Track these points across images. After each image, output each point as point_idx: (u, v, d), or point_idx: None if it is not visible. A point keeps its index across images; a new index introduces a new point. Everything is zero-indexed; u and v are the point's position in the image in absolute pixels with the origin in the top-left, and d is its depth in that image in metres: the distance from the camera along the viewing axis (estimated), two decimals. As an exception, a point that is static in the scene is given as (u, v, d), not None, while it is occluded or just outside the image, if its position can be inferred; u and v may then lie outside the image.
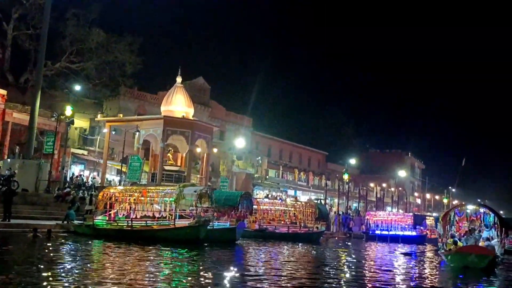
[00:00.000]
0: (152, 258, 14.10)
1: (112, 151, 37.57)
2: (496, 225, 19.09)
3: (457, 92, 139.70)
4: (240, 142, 42.66)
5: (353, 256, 20.64)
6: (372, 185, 57.34)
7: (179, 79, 31.40)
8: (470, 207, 19.89)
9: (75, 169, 35.97)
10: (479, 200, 78.09)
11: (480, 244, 18.10)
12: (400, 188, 63.38)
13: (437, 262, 20.51)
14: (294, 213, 27.70)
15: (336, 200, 49.60)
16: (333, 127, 70.32)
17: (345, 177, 46.53)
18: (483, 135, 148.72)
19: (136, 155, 29.07)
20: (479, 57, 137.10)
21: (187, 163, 29.85)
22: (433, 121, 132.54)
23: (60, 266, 11.48)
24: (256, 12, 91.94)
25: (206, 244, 18.54)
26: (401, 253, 22.95)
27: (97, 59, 39.61)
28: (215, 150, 39.32)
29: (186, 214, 19.87)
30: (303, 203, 28.80)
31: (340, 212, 43.89)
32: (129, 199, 19.48)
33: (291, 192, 51.82)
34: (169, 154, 30.42)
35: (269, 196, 41.05)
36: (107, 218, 20.02)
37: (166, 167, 29.62)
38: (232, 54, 73.67)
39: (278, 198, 33.17)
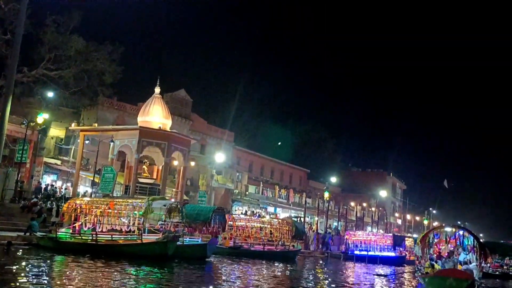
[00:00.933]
0: (107, 276, 13.19)
1: (87, 162, 36.50)
2: (475, 249, 18.73)
3: (441, 113, 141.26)
4: (219, 157, 41.90)
5: (326, 276, 19.94)
6: (352, 204, 56.83)
7: (157, 90, 30.68)
8: (448, 229, 19.40)
9: (48, 179, 34.76)
10: (459, 223, 78.24)
11: (458, 267, 17.80)
12: (381, 208, 62.99)
13: (414, 285, 19.94)
14: (271, 231, 26.89)
15: (316, 218, 48.95)
16: (314, 144, 69.93)
17: (326, 195, 45.96)
18: (465, 157, 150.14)
19: (109, 166, 28.12)
20: (462, 76, 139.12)
21: (163, 176, 28.90)
22: (416, 142, 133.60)
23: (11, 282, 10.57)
24: (238, 26, 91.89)
25: (175, 261, 17.69)
26: (377, 275, 22.33)
27: (76, 67, 38.64)
28: (192, 163, 38.51)
29: (156, 229, 19.00)
30: (279, 220, 28.04)
31: (320, 231, 43.19)
32: (95, 211, 18.53)
33: (271, 209, 51.04)
34: (144, 167, 29.53)
35: (248, 212, 40.19)
36: (71, 231, 19.01)
37: (141, 180, 28.70)
38: (215, 68, 73.18)
39: (255, 214, 32.35)
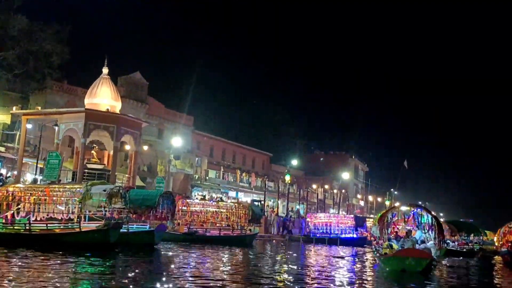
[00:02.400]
0: (38, 269, 11.88)
1: (34, 148, 34.48)
2: (433, 227, 18.41)
3: (400, 94, 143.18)
4: (177, 141, 40.47)
5: (280, 260, 19.13)
6: (314, 186, 56.50)
7: (105, 70, 28.95)
8: (404, 208, 18.91)
9: (-10, 167, 32.62)
10: (420, 202, 79.42)
11: (416, 246, 17.46)
12: (343, 190, 63.00)
13: (371, 265, 19.42)
14: (227, 215, 25.92)
15: (278, 201, 48.33)
16: (276, 128, 69.36)
17: (287, 178, 45.32)
18: (425, 138, 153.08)
19: (54, 151, 26.36)
20: (422, 54, 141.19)
21: (113, 161, 27.38)
22: (377, 123, 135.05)
23: None
24: (195, 5, 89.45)
25: (118, 250, 16.46)
26: (335, 256, 21.73)
27: (20, 48, 36.33)
28: (145, 147, 37.02)
29: (100, 216, 17.67)
30: (235, 204, 27.07)
31: (282, 214, 42.58)
32: (30, 198, 17.01)
33: (232, 193, 50.06)
34: (93, 152, 27.95)
35: (207, 197, 39.11)
36: (3, 221, 17.44)
37: (89, 165, 27.09)
38: (172, 50, 71.05)
39: (212, 199, 31.30)
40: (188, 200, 26.19)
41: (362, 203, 73.04)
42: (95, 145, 28.31)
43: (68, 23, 39.35)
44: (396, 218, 20.14)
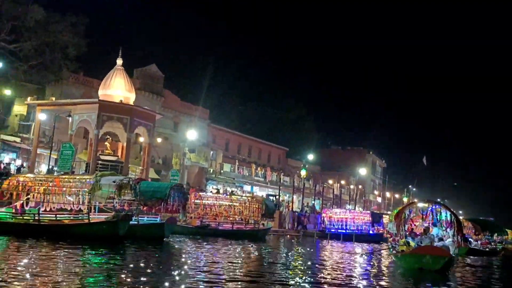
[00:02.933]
0: (44, 260, 11.63)
1: (49, 139, 34.54)
2: (452, 224, 17.79)
3: (421, 90, 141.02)
4: (192, 134, 40.14)
5: (291, 254, 18.68)
6: (331, 182, 55.79)
7: (119, 61, 28.73)
8: (421, 204, 18.28)
9: (6, 158, 32.76)
10: (438, 200, 77.92)
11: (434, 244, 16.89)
12: (360, 186, 62.15)
13: (387, 263, 18.84)
14: (240, 209, 25.53)
15: (294, 196, 47.82)
16: (293, 122, 68.53)
17: (303, 173, 44.71)
18: (445, 135, 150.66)
19: (68, 142, 26.29)
20: (446, 49, 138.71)
21: (126, 153, 27.19)
22: (396, 118, 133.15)
23: None
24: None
25: (127, 242, 16.19)
26: (348, 252, 21.21)
27: (36, 39, 36.43)
28: (159, 140, 36.81)
29: (110, 208, 17.43)
30: (249, 198, 26.65)
31: (297, 209, 42.10)
32: (39, 188, 16.83)
33: (247, 187, 49.71)
34: (106, 143, 27.79)
35: (221, 191, 38.82)
36: (13, 211, 17.30)
37: (103, 157, 26.95)
38: (189, 42, 70.43)
39: (225, 192, 30.97)
40: (201, 193, 25.85)
41: (379, 199, 72.06)
42: (108, 137, 28.16)
43: (85, 15, 39.42)
44: (414, 214, 19.58)
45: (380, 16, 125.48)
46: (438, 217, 17.92)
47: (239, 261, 14.78)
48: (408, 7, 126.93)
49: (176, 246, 17.73)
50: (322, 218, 36.18)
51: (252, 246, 20.70)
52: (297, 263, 15.89)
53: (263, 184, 51.62)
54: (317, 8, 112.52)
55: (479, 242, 30.27)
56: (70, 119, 26.99)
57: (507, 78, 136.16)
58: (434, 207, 18.46)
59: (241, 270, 12.52)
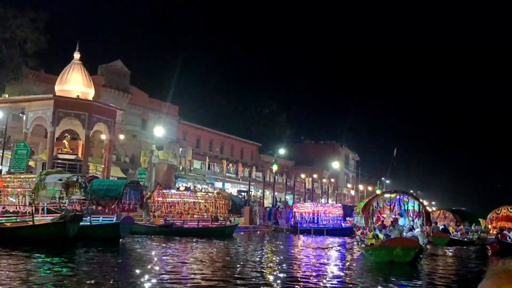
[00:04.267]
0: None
1: (8, 140, 32.95)
2: (420, 214, 17.38)
3: (390, 83, 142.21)
4: (159, 131, 38.99)
5: (257, 251, 17.90)
6: (303, 176, 55.28)
7: (76, 55, 27.50)
8: (387, 195, 17.72)
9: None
10: (411, 191, 78.38)
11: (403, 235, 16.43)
12: (332, 180, 61.85)
13: (355, 257, 18.27)
14: (205, 206, 24.61)
15: (267, 192, 47.10)
16: (266, 118, 67.80)
17: (274, 167, 44.08)
18: (417, 127, 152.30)
19: (22, 141, 24.94)
20: (408, 44, 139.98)
21: (85, 151, 25.97)
22: (368, 112, 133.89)
23: None
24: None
25: (78, 245, 15.13)
26: (316, 248, 20.57)
27: (-9, 35, 34.81)
28: (122, 137, 35.53)
29: (60, 208, 16.30)
30: (215, 194, 25.75)
31: (269, 205, 41.39)
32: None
33: (218, 184, 48.73)
34: (65, 141, 26.54)
35: (191, 188, 37.82)
36: (-47, 215, 16.06)
37: (60, 156, 25.68)
38: (156, 38, 68.81)
39: (189, 189, 29.97)
40: (164, 191, 24.82)
41: (353, 192, 72.02)
42: (67, 135, 26.91)
43: (45, 10, 37.92)
44: (381, 205, 19.04)
45: (349, 8, 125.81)
46: (404, 207, 17.42)
47: (196, 261, 13.92)
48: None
49: (132, 247, 16.74)
50: (294, 213, 35.59)
51: (217, 243, 19.87)
52: (260, 260, 15.09)
53: (235, 181, 50.74)
54: (289, 2, 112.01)
55: (458, 232, 30.17)
56: (24, 116, 25.57)
57: (480, 65, 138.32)
58: (400, 197, 17.95)
59: (199, 271, 11.66)
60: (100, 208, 17.21)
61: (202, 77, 59.22)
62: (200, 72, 58.75)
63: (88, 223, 16.34)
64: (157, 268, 11.95)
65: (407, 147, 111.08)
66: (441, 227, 30.45)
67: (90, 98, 26.75)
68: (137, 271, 11.23)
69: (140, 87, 46.94)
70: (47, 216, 15.94)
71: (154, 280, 9.70)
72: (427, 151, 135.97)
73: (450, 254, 21.88)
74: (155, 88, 51.04)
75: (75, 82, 26.22)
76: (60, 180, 14.90)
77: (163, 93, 49.81)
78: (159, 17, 76.86)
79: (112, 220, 17.50)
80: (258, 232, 31.68)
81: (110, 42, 52.74)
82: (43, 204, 15.59)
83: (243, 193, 44.27)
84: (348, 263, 16.75)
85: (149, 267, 12.19)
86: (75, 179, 15.30)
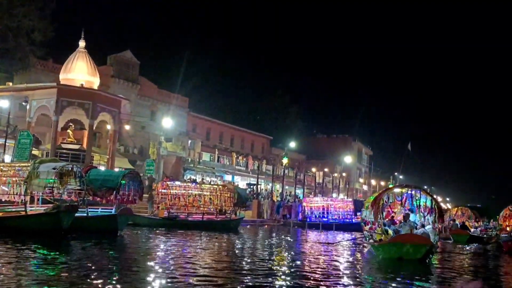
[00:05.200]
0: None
1: (14, 129, 32.67)
2: (432, 210, 16.52)
3: (406, 77, 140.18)
4: (167, 122, 38.49)
5: (262, 245, 17.21)
6: (314, 170, 54.39)
7: (81, 43, 26.98)
8: (397, 190, 16.89)
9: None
10: (425, 187, 77.01)
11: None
12: (344, 174, 60.86)
13: (361, 253, 17.51)
14: (210, 198, 23.97)
15: (278, 185, 46.38)
16: (277, 111, 66.91)
17: (284, 161, 43.30)
18: (432, 123, 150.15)
19: (26, 130, 24.51)
20: (426, 39, 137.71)
21: (89, 141, 25.47)
22: (382, 105, 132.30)
23: None
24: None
25: (73, 236, 14.58)
26: (322, 243, 19.84)
27: (-1, 23, 34.50)
28: (127, 127, 35.05)
29: (56, 198, 15.76)
30: (220, 186, 25.07)
31: (277, 198, 40.65)
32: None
33: (228, 177, 48.16)
34: (69, 131, 26.04)
35: (198, 180, 37.25)
36: None
37: (64, 146, 25.21)
38: (165, 28, 68.07)
39: (195, 182, 29.38)
40: (168, 183, 24.21)
41: (365, 187, 70.94)
42: (71, 124, 26.41)
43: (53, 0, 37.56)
44: (391, 200, 18.21)
45: (363, 7, 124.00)
46: (415, 203, 16.58)
47: (197, 255, 13.26)
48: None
49: (129, 240, 16.15)
50: (303, 207, 34.86)
51: (221, 237, 19.25)
52: (262, 254, 14.38)
53: (244, 173, 50.12)
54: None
55: (478, 229, 29.38)
56: (27, 105, 25.15)
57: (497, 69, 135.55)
58: (412, 192, 17.09)
59: (195, 266, 10.99)
60: (99, 199, 16.64)
61: (213, 69, 58.57)
62: (210, 64, 58.07)
63: (85, 215, 15.77)
64: (151, 262, 11.33)
65: (422, 142, 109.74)
66: (459, 224, 29.71)
67: (95, 87, 26.22)
68: (130, 265, 10.62)
69: (150, 78, 46.50)
70: (42, 207, 15.39)
71: (146, 275, 9.08)
72: (442, 146, 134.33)
73: (465, 251, 21.02)
74: (165, 79, 50.53)
75: (79, 71, 25.69)
76: (54, 168, 14.32)
77: (173, 85, 49.31)
78: (169, 9, 76.21)
79: (111, 212, 16.92)
80: (266, 226, 31.01)
81: (120, 32, 52.17)
82: (38, 193, 15.03)
83: (252, 186, 43.58)
84: (355, 259, 15.97)
85: (143, 261, 11.60)
86: (69, 168, 14.74)
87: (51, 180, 14.34)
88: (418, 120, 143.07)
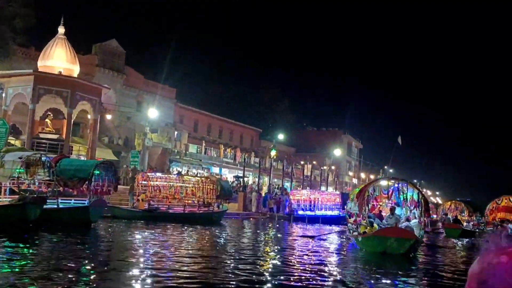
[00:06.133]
0: None
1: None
2: (419, 204, 16.09)
3: (395, 70, 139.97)
4: (153, 113, 37.70)
5: (241, 238, 16.59)
6: (302, 162, 53.82)
7: (61, 29, 26.09)
8: (384, 183, 16.38)
9: None
10: (415, 181, 76.91)
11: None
12: (333, 167, 60.38)
13: (344, 246, 17.00)
14: (192, 190, 23.26)
15: (266, 178, 45.74)
16: (267, 103, 66.13)
17: (272, 153, 42.70)
18: (422, 118, 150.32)
19: (1, 118, 23.62)
20: (415, 33, 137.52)
21: (67, 130, 24.65)
22: (372, 98, 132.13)
23: None
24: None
25: (41, 228, 13.86)
26: (302, 236, 19.31)
27: (-23, 10, 33.34)
28: (108, 116, 34.21)
29: (26, 189, 15.00)
30: (202, 178, 24.37)
31: (264, 191, 40.03)
32: None
33: (215, 169, 47.42)
34: (47, 120, 25.19)
35: (183, 173, 36.51)
36: None
37: (42, 135, 24.36)
38: (153, 17, 66.98)
39: (177, 173, 28.65)
40: (149, 174, 23.47)
41: (355, 180, 70.55)
42: (49, 113, 25.53)
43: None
44: (377, 193, 17.71)
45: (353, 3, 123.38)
46: (402, 196, 16.08)
47: (171, 248, 12.61)
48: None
49: (102, 233, 15.44)
50: (290, 200, 34.30)
51: (201, 230, 18.60)
52: (239, 247, 13.76)
53: (232, 166, 49.40)
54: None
55: (471, 223, 29.00)
56: (3, 93, 24.25)
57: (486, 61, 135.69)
58: (398, 185, 16.61)
59: (164, 260, 10.35)
60: (71, 190, 15.89)
61: (201, 60, 57.69)
62: (199, 55, 57.22)
63: (55, 206, 15.03)
64: (120, 257, 10.68)
65: (412, 136, 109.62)
66: (451, 218, 29.37)
67: (75, 75, 25.34)
68: (100, 259, 9.96)
69: (136, 68, 45.53)
70: (9, 198, 14.65)
71: (114, 272, 8.43)
72: (433, 140, 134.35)
73: (450, 245, 20.59)
74: (152, 69, 49.53)
75: (58, 58, 24.81)
76: (20, 158, 13.56)
77: (160, 75, 48.36)
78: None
79: (84, 203, 16.19)
80: (251, 219, 30.40)
81: (106, 21, 50.99)
82: (4, 184, 14.25)
83: (240, 179, 42.94)
84: (336, 252, 15.42)
85: (112, 256, 10.94)
86: (37, 157, 13.98)
87: (17, 170, 13.57)
88: (408, 114, 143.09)
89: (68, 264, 8.94)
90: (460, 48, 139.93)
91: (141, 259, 10.35)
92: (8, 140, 26.74)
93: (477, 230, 28.06)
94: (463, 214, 30.73)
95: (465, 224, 28.29)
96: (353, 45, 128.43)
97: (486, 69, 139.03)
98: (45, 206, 14.22)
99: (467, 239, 23.84)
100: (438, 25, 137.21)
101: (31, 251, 11.01)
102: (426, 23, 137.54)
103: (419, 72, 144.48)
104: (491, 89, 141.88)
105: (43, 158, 14.18)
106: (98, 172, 15.88)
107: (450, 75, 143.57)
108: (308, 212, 32.25)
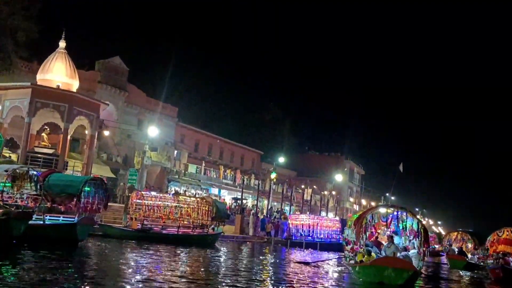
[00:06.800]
0: None
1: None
2: (418, 234, 15.47)
3: (400, 99, 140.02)
4: (153, 131, 37.28)
5: (232, 262, 15.94)
6: (303, 186, 53.18)
7: (62, 43, 25.89)
8: (383, 210, 15.82)
9: None
10: (417, 209, 76.01)
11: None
12: (334, 193, 59.65)
13: (340, 274, 16.34)
14: (187, 211, 22.67)
15: (265, 201, 45.11)
16: (269, 125, 65.85)
17: (273, 176, 42.16)
18: (426, 146, 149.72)
19: (-4, 131, 23.27)
20: (422, 58, 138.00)
21: (63, 145, 24.24)
22: (375, 126, 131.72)
23: None
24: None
25: (25, 245, 13.29)
26: (297, 262, 18.65)
27: (-21, 23, 33.40)
28: (106, 133, 33.83)
29: (11, 204, 14.48)
30: (198, 199, 23.81)
31: (262, 215, 39.36)
32: None
33: (214, 190, 46.82)
34: (43, 134, 24.80)
35: (180, 192, 35.97)
36: None
37: (37, 149, 23.95)
38: (157, 37, 66.94)
39: (171, 193, 28.10)
40: (143, 193, 22.96)
41: (356, 206, 69.71)
42: (46, 128, 25.17)
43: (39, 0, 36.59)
44: (376, 221, 17.11)
45: (357, 22, 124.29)
46: (401, 225, 15.50)
47: (159, 273, 12.00)
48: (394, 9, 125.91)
49: (89, 252, 14.84)
50: (288, 225, 33.63)
51: (195, 252, 17.96)
52: (231, 273, 13.14)
53: (232, 188, 48.79)
54: (291, 7, 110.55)
55: (476, 256, 28.10)
56: (0, 105, 23.96)
57: (493, 90, 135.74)
58: (398, 213, 16.01)
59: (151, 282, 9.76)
60: (59, 206, 15.38)
61: (204, 80, 57.41)
62: (202, 76, 57.00)
63: (41, 222, 14.51)
64: (103, 279, 10.10)
65: (414, 164, 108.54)
66: (456, 249, 28.55)
67: (74, 89, 25.04)
68: (77, 282, 9.39)
69: (138, 85, 45.37)
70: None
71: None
72: (435, 170, 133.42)
73: (454, 278, 19.81)
74: (154, 88, 49.32)
75: (57, 72, 24.55)
76: (6, 171, 13.11)
77: (162, 94, 48.15)
78: (161, 17, 74.85)
79: (73, 221, 15.64)
80: (248, 242, 29.70)
81: (109, 38, 50.86)
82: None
83: (238, 201, 42.35)
84: (333, 281, 14.77)
85: (97, 277, 10.35)
86: (23, 171, 13.53)
87: (1, 184, 13.09)
88: (411, 142, 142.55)
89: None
90: (462, 73, 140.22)
91: (123, 283, 9.77)
92: (5, 154, 26.47)
93: (481, 263, 27.18)
94: (468, 245, 29.89)
95: (470, 256, 27.45)
96: (359, 71, 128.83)
97: (490, 98, 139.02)
98: (30, 222, 13.72)
99: (469, 272, 23.03)
100: (440, 46, 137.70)
101: (10, 268, 10.48)
102: (428, 44, 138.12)
103: (422, 102, 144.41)
104: (496, 119, 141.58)
105: (30, 172, 13.72)
106: (88, 188, 15.42)
107: (454, 105, 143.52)
108: (310, 238, 31.50)
